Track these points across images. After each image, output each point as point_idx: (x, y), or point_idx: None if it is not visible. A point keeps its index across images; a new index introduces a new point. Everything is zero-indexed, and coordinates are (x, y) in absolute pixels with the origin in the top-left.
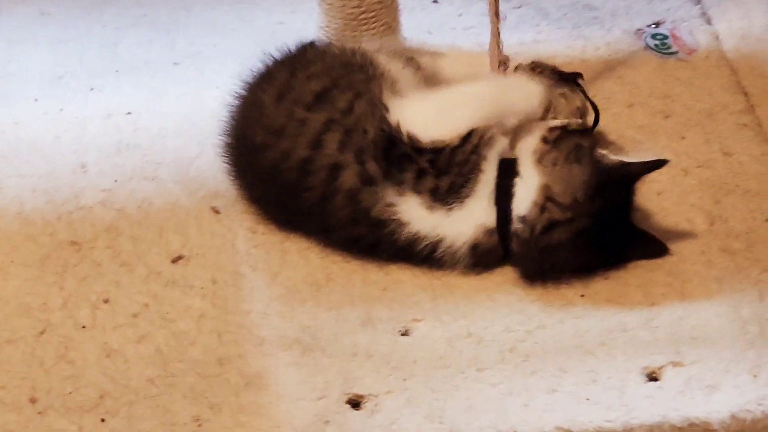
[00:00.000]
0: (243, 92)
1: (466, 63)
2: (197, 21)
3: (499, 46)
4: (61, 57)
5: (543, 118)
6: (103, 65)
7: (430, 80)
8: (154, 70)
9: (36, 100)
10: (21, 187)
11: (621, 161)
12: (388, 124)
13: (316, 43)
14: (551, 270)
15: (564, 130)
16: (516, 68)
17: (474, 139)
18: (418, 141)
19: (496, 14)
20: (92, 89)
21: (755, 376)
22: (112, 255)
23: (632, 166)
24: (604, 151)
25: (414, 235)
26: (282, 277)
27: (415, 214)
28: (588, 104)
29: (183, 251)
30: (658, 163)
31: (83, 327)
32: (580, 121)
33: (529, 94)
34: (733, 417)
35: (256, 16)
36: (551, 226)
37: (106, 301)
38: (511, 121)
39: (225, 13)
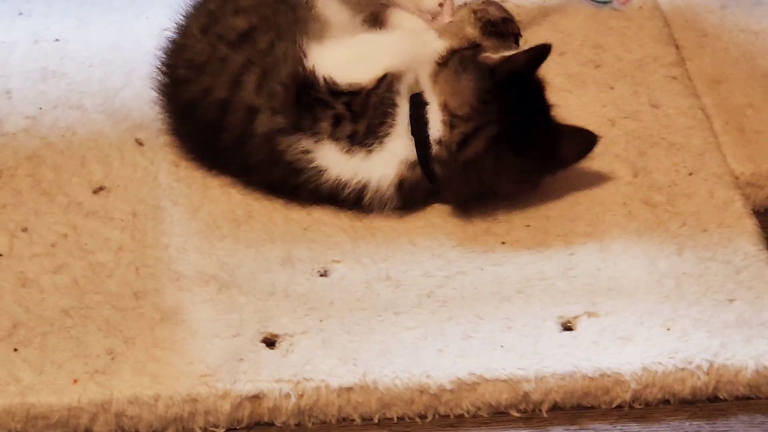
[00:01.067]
0: (178, 20)
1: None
2: None
3: None
4: None
5: None
6: None
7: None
8: None
9: None
10: None
11: (503, 57)
12: (304, 68)
13: None
14: (482, 188)
15: (452, 50)
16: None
17: (388, 79)
18: (335, 84)
19: None
20: (21, 14)
21: (668, 329)
22: (32, 183)
23: (514, 58)
24: (491, 54)
25: (336, 181)
26: (202, 212)
27: (334, 160)
28: None
29: (104, 182)
30: (541, 50)
31: (0, 255)
32: None
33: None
34: (644, 369)
35: None
36: (464, 140)
37: (24, 230)
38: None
39: None
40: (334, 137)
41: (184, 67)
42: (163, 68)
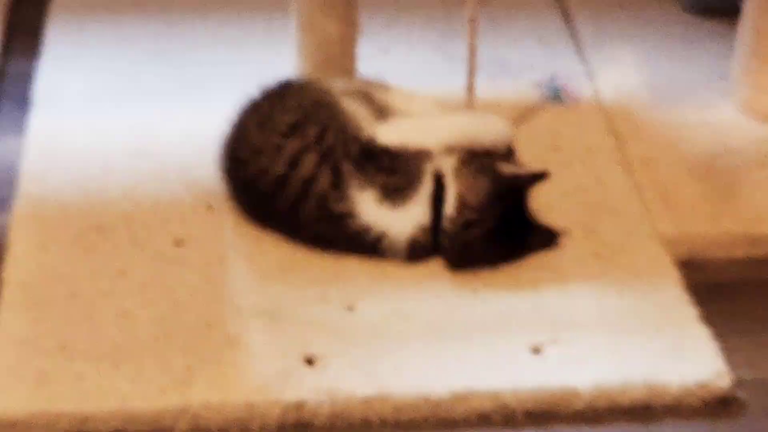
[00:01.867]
0: (237, 118)
1: (409, 98)
2: (201, 59)
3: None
4: (93, 83)
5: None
6: (127, 90)
7: (379, 109)
8: (168, 95)
9: (73, 114)
10: (59, 182)
11: (514, 173)
12: (360, 138)
13: (293, 83)
14: (471, 260)
15: (473, 153)
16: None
17: (422, 155)
18: (386, 145)
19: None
20: (118, 107)
21: (613, 353)
22: (128, 237)
23: (521, 177)
24: (504, 165)
25: (364, 226)
26: (258, 261)
27: (368, 207)
28: None
29: (183, 237)
30: (542, 175)
31: (104, 293)
32: None
33: (496, 130)
34: (595, 386)
35: (248, 56)
36: (467, 225)
37: (122, 273)
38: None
39: (224, 51)
40: (373, 183)
41: (245, 152)
42: (227, 152)
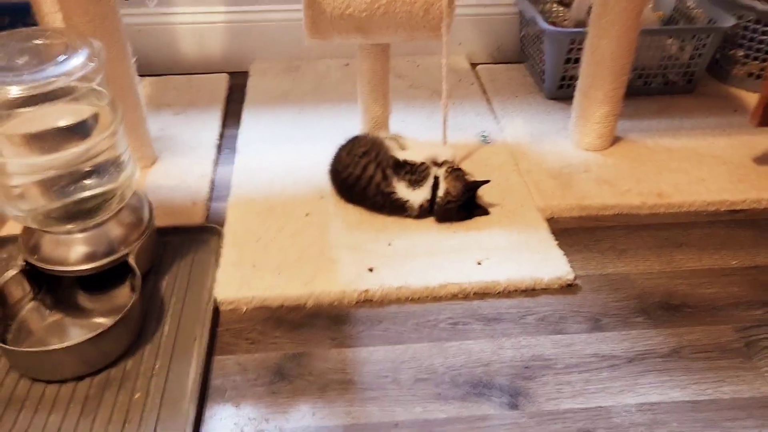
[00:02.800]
0: (335, 153)
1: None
2: (318, 123)
3: (446, 113)
4: (266, 136)
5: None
6: (281, 140)
7: (400, 145)
8: (300, 142)
9: (257, 153)
10: (250, 188)
11: (474, 181)
12: (395, 158)
13: (360, 136)
14: (448, 219)
15: (454, 168)
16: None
17: (424, 166)
18: (407, 160)
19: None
20: (277, 150)
21: (517, 264)
22: (284, 212)
23: (477, 182)
24: (468, 176)
25: (400, 199)
26: (346, 221)
27: (403, 191)
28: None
29: (309, 211)
30: (486, 181)
31: (272, 238)
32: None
33: (448, 154)
34: (507, 279)
35: (338, 123)
36: (448, 203)
37: (281, 229)
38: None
39: (327, 121)
40: (404, 180)
41: (341, 167)
42: (333, 167)
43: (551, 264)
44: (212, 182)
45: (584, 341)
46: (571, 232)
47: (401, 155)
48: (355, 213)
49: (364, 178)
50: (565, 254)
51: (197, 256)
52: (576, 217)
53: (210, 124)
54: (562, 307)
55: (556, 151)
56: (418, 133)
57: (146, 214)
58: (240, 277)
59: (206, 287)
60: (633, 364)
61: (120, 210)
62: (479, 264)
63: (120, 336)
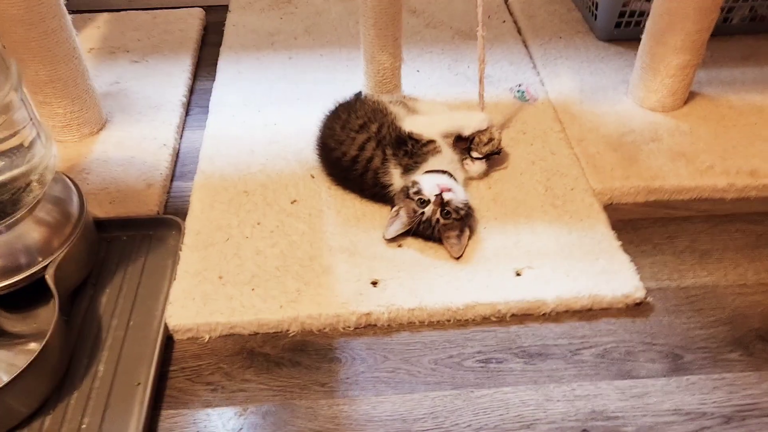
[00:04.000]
0: (326, 120)
1: (429, 106)
2: (309, 78)
3: (482, 85)
4: (245, 94)
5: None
6: (264, 99)
7: (412, 111)
8: (288, 102)
9: (233, 116)
10: (222, 161)
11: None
12: (400, 130)
13: (358, 98)
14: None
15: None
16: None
17: (431, 145)
18: (411, 133)
19: (481, 63)
20: (259, 111)
21: (568, 275)
22: (262, 199)
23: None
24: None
25: (394, 188)
26: (341, 213)
27: (396, 179)
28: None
29: (296, 197)
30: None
31: (247, 237)
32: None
33: (477, 121)
34: (558, 297)
35: (336, 77)
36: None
37: (258, 224)
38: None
39: (322, 74)
40: (400, 164)
41: (333, 142)
42: (321, 143)
43: (614, 274)
44: (175, 154)
45: (661, 390)
46: (637, 225)
47: (408, 124)
48: (353, 199)
49: (361, 160)
50: (631, 260)
51: (150, 259)
52: (642, 203)
53: (177, 76)
54: (629, 337)
55: (615, 113)
56: (436, 89)
57: (75, 208)
58: (202, 294)
59: (158, 305)
60: (732, 427)
61: (36, 204)
62: (518, 275)
63: (32, 386)
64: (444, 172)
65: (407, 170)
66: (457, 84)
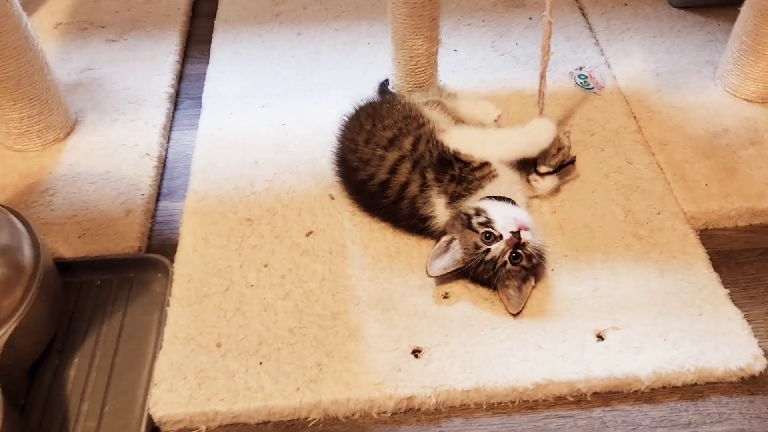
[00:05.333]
0: (344, 130)
1: (472, 105)
2: (323, 60)
3: (544, 81)
4: (246, 84)
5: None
6: (269, 90)
7: (452, 115)
8: (298, 94)
9: (231, 113)
10: (218, 176)
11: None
12: (442, 147)
13: (384, 101)
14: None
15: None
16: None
17: (485, 169)
18: (459, 153)
19: (546, 54)
20: (263, 106)
21: (665, 339)
22: (270, 229)
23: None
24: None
25: (437, 222)
26: (370, 249)
27: (440, 210)
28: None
29: (312, 227)
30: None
31: (251, 285)
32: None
33: (544, 137)
34: (654, 372)
35: (356, 58)
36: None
37: (265, 266)
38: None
39: (338, 55)
40: (446, 191)
41: (356, 160)
42: (341, 161)
43: (723, 336)
44: (161, 164)
45: None
46: (740, 258)
47: (454, 140)
48: (384, 229)
49: (393, 186)
50: (743, 313)
51: (130, 313)
52: (744, 228)
53: (162, 59)
54: (747, 425)
55: (702, 105)
56: (479, 74)
57: (28, 258)
58: (195, 370)
59: (140, 382)
60: None
61: None
62: (600, 339)
63: None
64: (507, 199)
65: (455, 199)
66: (504, 67)
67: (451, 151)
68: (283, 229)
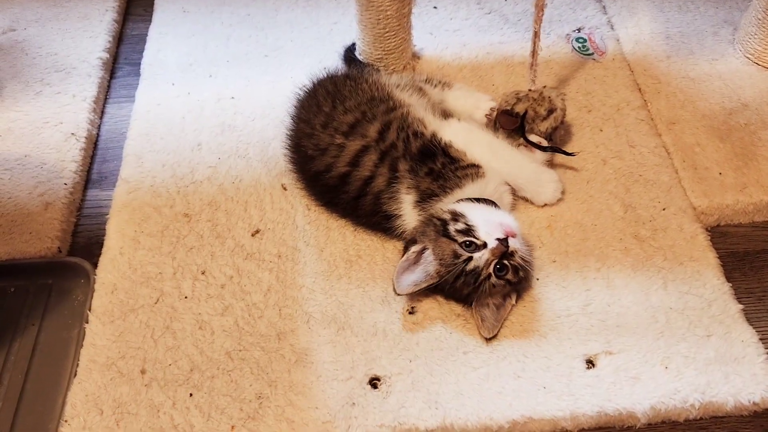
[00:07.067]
0: (299, 106)
1: (465, 96)
2: (282, 20)
3: (538, 41)
4: (191, 48)
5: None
6: (218, 56)
7: (435, 104)
8: (251, 60)
9: (172, 84)
10: (154, 162)
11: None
12: (430, 137)
13: (348, 77)
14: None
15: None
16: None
17: (472, 169)
18: (450, 146)
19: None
20: (210, 76)
21: (666, 367)
22: (210, 227)
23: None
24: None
25: (401, 222)
26: (326, 252)
27: (407, 209)
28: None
29: (260, 225)
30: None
31: (185, 297)
32: None
33: (546, 189)
34: (652, 407)
35: (320, 17)
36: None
37: (203, 273)
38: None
39: (300, 14)
40: (416, 187)
41: (311, 147)
42: (295, 148)
43: (735, 363)
44: (91, 146)
45: None
46: (755, 261)
47: (451, 132)
48: (343, 228)
49: (355, 180)
50: (759, 334)
51: (46, 327)
52: (761, 224)
53: (97, 18)
54: None
55: (718, 75)
56: (461, 36)
57: None
58: (113, 403)
59: (53, 416)
60: None
61: None
62: (591, 365)
63: None
64: (486, 201)
65: (425, 198)
66: (490, 28)
67: (442, 143)
68: (226, 227)
